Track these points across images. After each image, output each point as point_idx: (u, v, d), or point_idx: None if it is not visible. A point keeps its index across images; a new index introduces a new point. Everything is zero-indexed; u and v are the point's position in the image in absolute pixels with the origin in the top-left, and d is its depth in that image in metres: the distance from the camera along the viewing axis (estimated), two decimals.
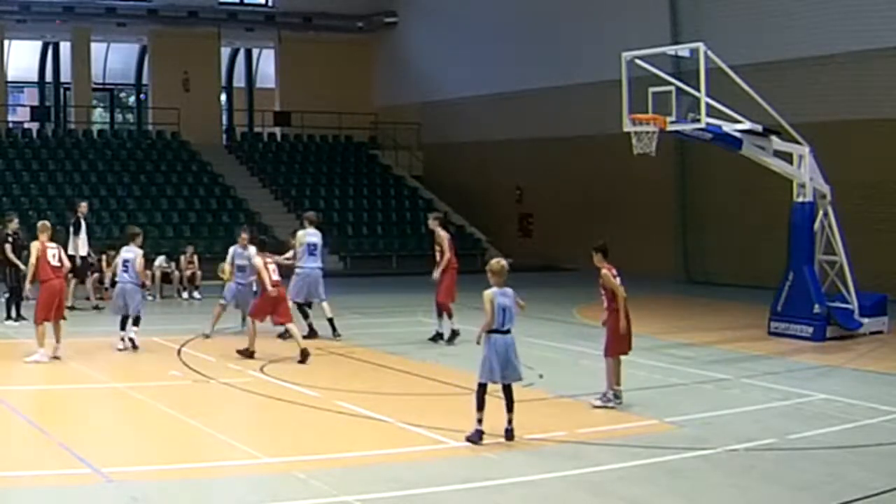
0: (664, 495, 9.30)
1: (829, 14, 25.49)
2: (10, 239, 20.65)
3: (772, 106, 18.54)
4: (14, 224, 20.93)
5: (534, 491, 9.36)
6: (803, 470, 10.09)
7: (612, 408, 12.52)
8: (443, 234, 18.86)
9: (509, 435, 10.76)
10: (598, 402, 12.62)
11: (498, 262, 11.25)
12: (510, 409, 10.82)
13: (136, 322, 17.03)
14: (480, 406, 10.79)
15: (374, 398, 13.13)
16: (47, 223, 16.92)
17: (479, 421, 10.76)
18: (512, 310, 10.96)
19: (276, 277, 16.46)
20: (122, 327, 16.75)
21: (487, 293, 10.98)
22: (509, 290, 11.04)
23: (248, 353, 15.97)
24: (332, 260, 33.70)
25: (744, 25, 27.18)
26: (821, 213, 19.00)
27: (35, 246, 16.18)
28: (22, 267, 19.95)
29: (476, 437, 10.70)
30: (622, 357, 12.86)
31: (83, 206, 23.83)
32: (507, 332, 10.93)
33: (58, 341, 15.62)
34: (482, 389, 10.88)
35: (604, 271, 12.73)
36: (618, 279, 12.74)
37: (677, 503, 9.17)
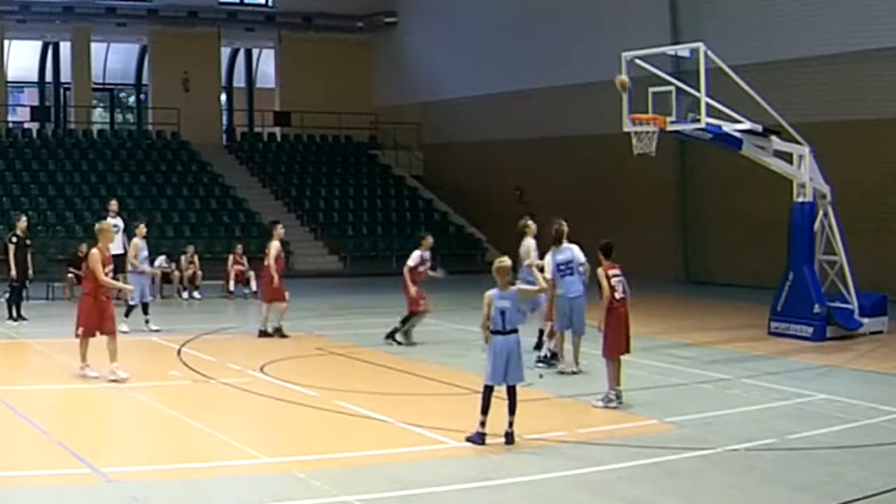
0: (664, 495, 9.30)
1: (829, 14, 25.49)
2: (13, 240, 20.64)
3: (772, 106, 18.54)
4: (22, 223, 20.90)
5: (534, 491, 9.36)
6: (803, 470, 10.08)
7: (613, 408, 12.51)
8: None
9: (509, 439, 10.72)
10: (600, 403, 12.61)
11: (499, 261, 11.20)
12: (512, 411, 10.78)
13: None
14: (485, 409, 10.74)
15: (374, 398, 13.13)
16: (106, 225, 15.14)
17: (483, 424, 10.73)
18: (513, 311, 10.91)
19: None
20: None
21: (487, 294, 11.00)
22: (513, 291, 11.01)
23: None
24: (332, 260, 33.84)
25: (744, 25, 27.17)
26: (821, 213, 19.00)
27: (95, 256, 14.20)
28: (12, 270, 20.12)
29: (477, 440, 10.67)
30: (622, 357, 12.86)
31: (113, 205, 23.73)
32: (509, 332, 10.88)
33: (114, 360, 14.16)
34: (488, 391, 10.84)
35: (599, 270, 12.77)
36: (619, 278, 12.75)
37: (677, 503, 9.17)
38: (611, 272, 12.73)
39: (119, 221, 23.43)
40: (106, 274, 14.10)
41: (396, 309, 23.61)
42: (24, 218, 21.36)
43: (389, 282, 29.90)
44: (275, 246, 18.55)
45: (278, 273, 18.46)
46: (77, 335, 14.17)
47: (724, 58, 18.10)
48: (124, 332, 17.64)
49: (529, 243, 15.96)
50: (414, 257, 17.78)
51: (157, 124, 39.06)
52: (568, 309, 14.64)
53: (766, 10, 27.06)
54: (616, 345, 12.68)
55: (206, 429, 11.41)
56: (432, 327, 20.21)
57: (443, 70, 38.78)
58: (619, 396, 12.64)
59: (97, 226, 15.07)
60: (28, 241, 20.92)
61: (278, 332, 18.38)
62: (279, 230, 19.06)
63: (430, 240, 18.09)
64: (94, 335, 14.10)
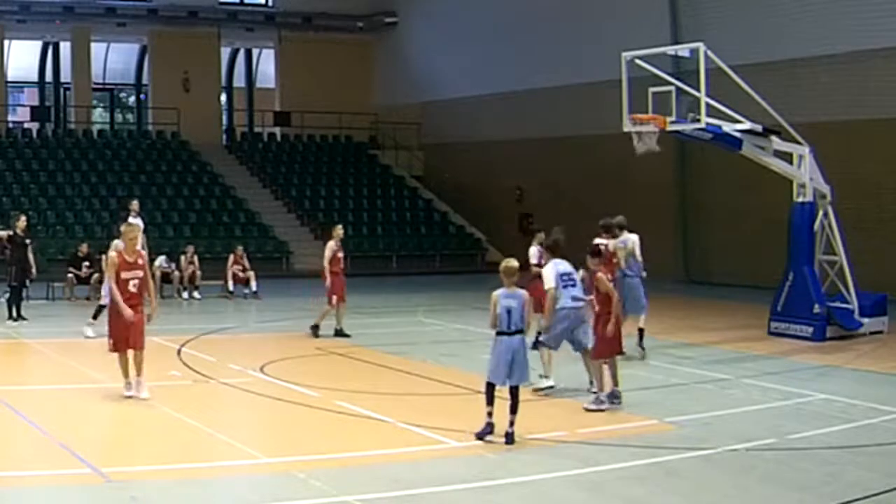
0: (664, 495, 9.29)
1: (829, 14, 25.50)
2: (9, 236, 20.61)
3: (772, 106, 18.54)
4: (22, 223, 20.85)
5: (534, 491, 9.36)
6: (803, 470, 10.08)
7: (603, 410, 12.39)
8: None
9: (509, 439, 10.73)
10: (592, 406, 12.45)
11: (506, 262, 11.19)
12: (513, 410, 10.79)
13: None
14: (489, 401, 10.85)
15: (374, 398, 13.12)
16: (131, 226, 13.72)
17: (490, 414, 10.83)
18: (518, 311, 10.90)
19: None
20: None
21: (493, 294, 10.99)
22: (519, 292, 11.01)
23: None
24: None
25: (744, 25, 27.18)
26: (821, 213, 19.00)
27: (111, 260, 13.19)
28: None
29: (486, 431, 10.78)
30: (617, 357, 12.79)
31: (134, 204, 23.59)
32: (514, 333, 10.88)
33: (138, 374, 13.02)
34: (489, 387, 10.92)
35: (600, 275, 12.64)
36: (612, 283, 12.68)
37: (677, 503, 9.17)
38: (609, 276, 12.66)
39: (139, 221, 23.29)
40: (126, 281, 12.78)
41: (396, 308, 23.66)
42: (23, 218, 21.32)
43: (389, 282, 30.01)
44: (329, 246, 18.64)
45: (331, 273, 18.44)
46: (109, 350, 13.04)
47: (724, 58, 18.10)
48: (89, 338, 17.44)
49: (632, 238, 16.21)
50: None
51: (157, 124, 39.06)
52: (574, 321, 13.15)
53: (767, 10, 27.06)
54: (609, 346, 12.60)
55: (206, 429, 11.41)
56: (432, 327, 20.23)
57: (443, 70, 38.79)
58: (618, 396, 12.57)
59: (122, 227, 13.72)
60: (28, 241, 20.89)
61: (339, 333, 18.40)
62: (337, 230, 19.02)
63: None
64: (125, 349, 12.89)
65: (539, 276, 16.15)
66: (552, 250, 13.46)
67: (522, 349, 10.92)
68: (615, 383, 12.62)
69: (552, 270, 13.07)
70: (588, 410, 12.42)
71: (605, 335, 12.53)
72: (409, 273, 32.68)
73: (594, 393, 12.66)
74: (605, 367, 12.66)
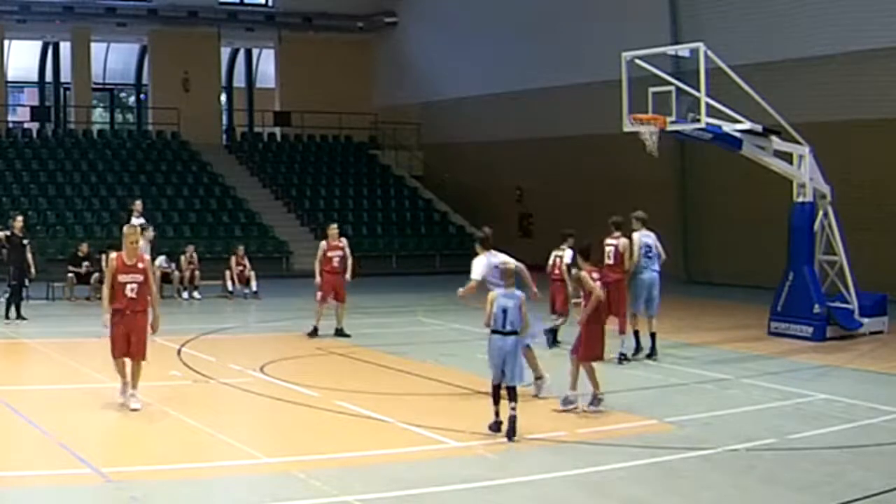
0: (664, 495, 9.30)
1: (828, 14, 25.50)
2: (7, 236, 20.62)
3: (772, 106, 18.54)
4: (18, 223, 20.85)
5: (534, 491, 9.36)
6: (803, 470, 10.08)
7: (601, 411, 12.31)
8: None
9: (511, 426, 10.77)
10: (591, 408, 12.36)
11: (506, 265, 11.39)
12: (512, 399, 10.87)
13: None
14: (495, 401, 11.05)
15: (374, 398, 13.13)
16: (131, 228, 13.11)
17: (497, 413, 11.02)
18: (514, 311, 10.95)
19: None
20: None
21: (490, 293, 11.04)
22: (517, 294, 11.08)
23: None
24: None
25: (744, 25, 27.18)
26: (821, 213, 19.00)
27: (110, 264, 12.76)
28: None
29: (496, 429, 10.97)
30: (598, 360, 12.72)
31: (137, 205, 23.56)
32: (508, 333, 10.94)
33: (133, 386, 12.48)
34: (494, 389, 11.08)
35: (583, 273, 12.56)
36: (598, 283, 12.61)
37: (677, 503, 9.17)
38: (594, 275, 12.57)
39: (142, 221, 23.26)
40: (124, 285, 12.23)
41: (396, 308, 23.66)
42: (20, 217, 21.31)
43: (390, 282, 30.00)
44: (320, 246, 18.78)
45: (322, 272, 18.48)
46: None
47: (724, 58, 18.10)
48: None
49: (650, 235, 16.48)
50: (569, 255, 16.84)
51: (157, 124, 39.05)
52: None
53: (767, 10, 27.07)
54: (596, 349, 12.51)
55: (206, 429, 11.41)
56: (432, 327, 20.24)
57: (443, 70, 38.78)
58: (573, 402, 12.37)
59: (125, 229, 13.03)
60: (25, 241, 20.86)
61: (339, 333, 18.43)
62: (329, 230, 19.08)
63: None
64: (120, 356, 12.41)
65: (562, 280, 16.48)
66: (484, 243, 13.40)
67: (514, 351, 11.01)
68: (573, 387, 12.42)
69: (484, 262, 13.22)
70: (586, 412, 12.41)
71: (591, 338, 12.40)
72: (409, 273, 32.68)
73: (595, 397, 12.64)
74: (584, 368, 12.46)
